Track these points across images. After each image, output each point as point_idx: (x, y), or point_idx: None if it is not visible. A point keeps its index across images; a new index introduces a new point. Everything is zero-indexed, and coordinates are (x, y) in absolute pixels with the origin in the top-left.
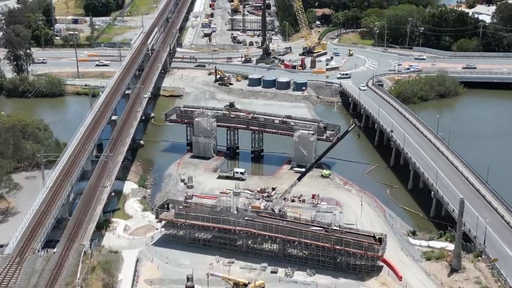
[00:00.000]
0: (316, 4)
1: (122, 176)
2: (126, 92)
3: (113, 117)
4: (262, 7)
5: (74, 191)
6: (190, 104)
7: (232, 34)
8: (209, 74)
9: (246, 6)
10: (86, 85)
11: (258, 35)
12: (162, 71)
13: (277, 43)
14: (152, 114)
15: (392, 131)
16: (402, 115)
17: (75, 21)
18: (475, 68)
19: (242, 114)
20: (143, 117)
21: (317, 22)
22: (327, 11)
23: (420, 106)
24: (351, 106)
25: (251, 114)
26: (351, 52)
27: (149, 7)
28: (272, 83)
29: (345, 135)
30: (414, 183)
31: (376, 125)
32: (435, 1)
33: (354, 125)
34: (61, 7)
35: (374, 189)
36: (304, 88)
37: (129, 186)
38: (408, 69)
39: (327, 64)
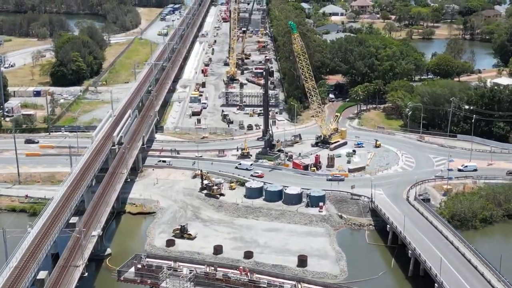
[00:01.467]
0: (328, 69)
1: None
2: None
3: (41, 273)
4: (264, 93)
5: None
6: (158, 253)
7: (222, 111)
8: (194, 177)
9: (245, 71)
10: (27, 197)
11: (259, 114)
12: (129, 180)
13: (282, 125)
14: (108, 250)
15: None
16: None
17: (37, 94)
18: None
19: (235, 273)
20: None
21: (331, 96)
22: (340, 78)
23: (483, 232)
24: (389, 235)
25: (249, 273)
26: (378, 143)
27: (131, 72)
28: (278, 195)
29: None
30: None
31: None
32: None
33: None
34: (26, 73)
35: None
36: (321, 204)
37: None
38: (461, 170)
39: (348, 161)
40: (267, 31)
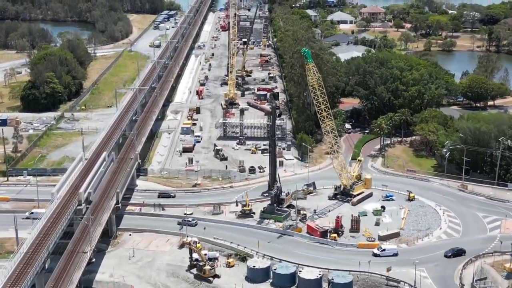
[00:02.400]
0: (343, 89)
1: None
2: None
3: None
4: (270, 145)
5: None
6: None
7: (215, 146)
8: (181, 246)
9: (246, 92)
10: None
11: (263, 151)
12: (93, 260)
13: (292, 167)
14: None
15: None
16: None
17: (3, 122)
18: None
19: None
20: None
21: (347, 126)
22: (355, 101)
23: None
24: None
25: None
26: (412, 195)
27: (116, 93)
28: (290, 279)
29: None
30: None
31: None
32: None
33: None
34: None
35: None
36: None
37: None
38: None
39: (377, 223)
40: (270, 42)
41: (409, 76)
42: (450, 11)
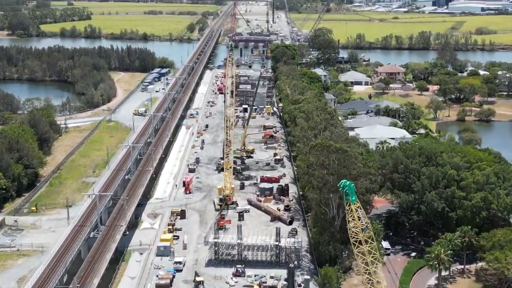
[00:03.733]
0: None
1: None
2: None
3: None
4: None
5: None
6: None
7: (195, 278)
8: None
9: (247, 182)
10: None
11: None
12: None
13: None
14: None
15: None
16: None
17: None
18: None
19: None
20: None
21: (385, 245)
22: (389, 201)
23: None
24: None
25: None
26: None
27: (81, 184)
28: None
29: None
30: None
31: None
32: None
33: None
34: None
35: None
36: None
37: None
38: None
39: None
40: (274, 108)
41: (470, 178)
42: (482, 72)
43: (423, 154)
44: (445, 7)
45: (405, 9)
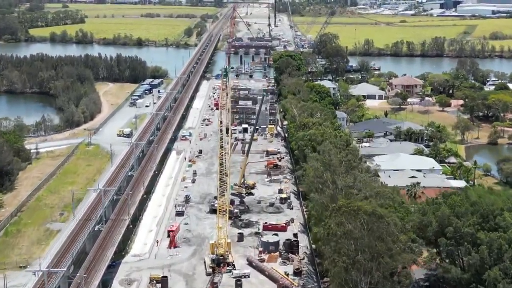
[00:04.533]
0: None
1: None
2: None
3: None
4: None
5: None
6: None
7: None
8: None
9: (247, 229)
10: None
11: None
12: None
13: None
14: None
15: None
16: None
17: None
18: None
19: None
20: None
21: None
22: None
23: None
24: None
25: None
26: None
27: (45, 231)
28: None
29: None
30: None
31: None
32: None
33: None
34: None
35: None
36: None
37: None
38: None
39: None
40: (278, 128)
41: None
42: (511, 85)
43: (477, 212)
44: (453, 9)
45: (412, 12)
